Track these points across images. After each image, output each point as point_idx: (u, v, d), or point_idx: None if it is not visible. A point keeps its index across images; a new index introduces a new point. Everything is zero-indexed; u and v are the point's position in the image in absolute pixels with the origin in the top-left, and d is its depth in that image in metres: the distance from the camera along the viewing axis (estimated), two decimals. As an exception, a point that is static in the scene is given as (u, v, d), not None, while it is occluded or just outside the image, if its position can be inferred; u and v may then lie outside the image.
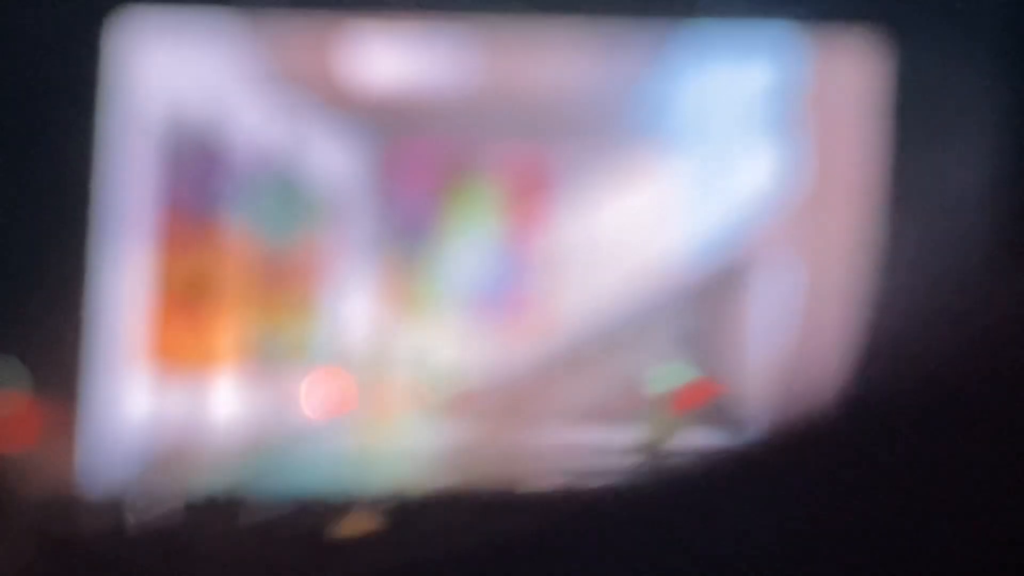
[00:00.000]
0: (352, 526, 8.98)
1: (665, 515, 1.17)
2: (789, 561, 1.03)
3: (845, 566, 1.01)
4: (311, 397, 12.80)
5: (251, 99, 12.27)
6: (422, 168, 13.41)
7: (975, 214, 10.76)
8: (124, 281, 11.33)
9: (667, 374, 13.53)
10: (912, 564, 0.98)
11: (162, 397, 11.24)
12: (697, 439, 11.18)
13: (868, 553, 1.00)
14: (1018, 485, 0.97)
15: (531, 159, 13.55)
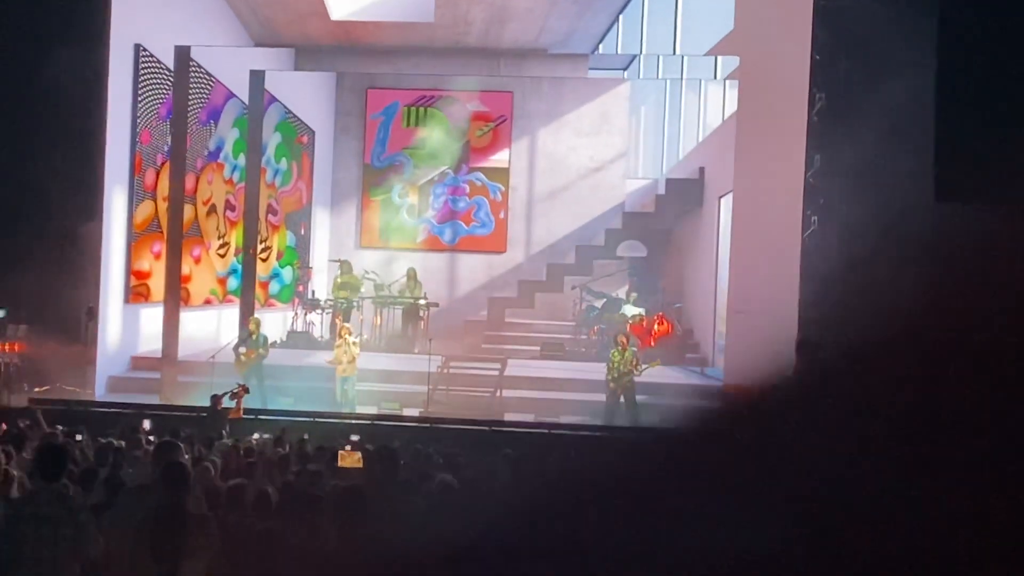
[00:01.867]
0: (347, 459, 9.24)
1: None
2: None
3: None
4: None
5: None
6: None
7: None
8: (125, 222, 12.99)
9: (624, 308, 14.43)
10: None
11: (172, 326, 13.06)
12: (659, 374, 11.96)
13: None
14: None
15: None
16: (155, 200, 23.78)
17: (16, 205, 19.57)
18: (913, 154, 17.09)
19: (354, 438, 15.31)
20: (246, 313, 24.43)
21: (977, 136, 15.92)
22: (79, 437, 14.42)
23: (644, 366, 20.50)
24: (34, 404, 19.09)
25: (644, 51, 30.06)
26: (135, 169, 22.77)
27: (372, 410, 20.44)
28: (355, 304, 28.59)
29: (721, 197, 26.16)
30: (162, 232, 23.70)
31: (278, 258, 30.70)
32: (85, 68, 20.20)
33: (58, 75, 19.07)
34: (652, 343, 26.39)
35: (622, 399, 20.43)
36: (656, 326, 27.45)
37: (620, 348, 20.56)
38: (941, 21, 16.14)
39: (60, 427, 15.47)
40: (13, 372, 19.58)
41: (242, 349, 21.16)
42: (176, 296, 22.68)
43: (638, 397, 20.57)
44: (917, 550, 0.87)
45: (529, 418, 20.10)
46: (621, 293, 30.24)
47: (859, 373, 1.00)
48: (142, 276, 23.37)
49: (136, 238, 23.04)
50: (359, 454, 10.46)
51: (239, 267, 27.08)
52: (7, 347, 19.38)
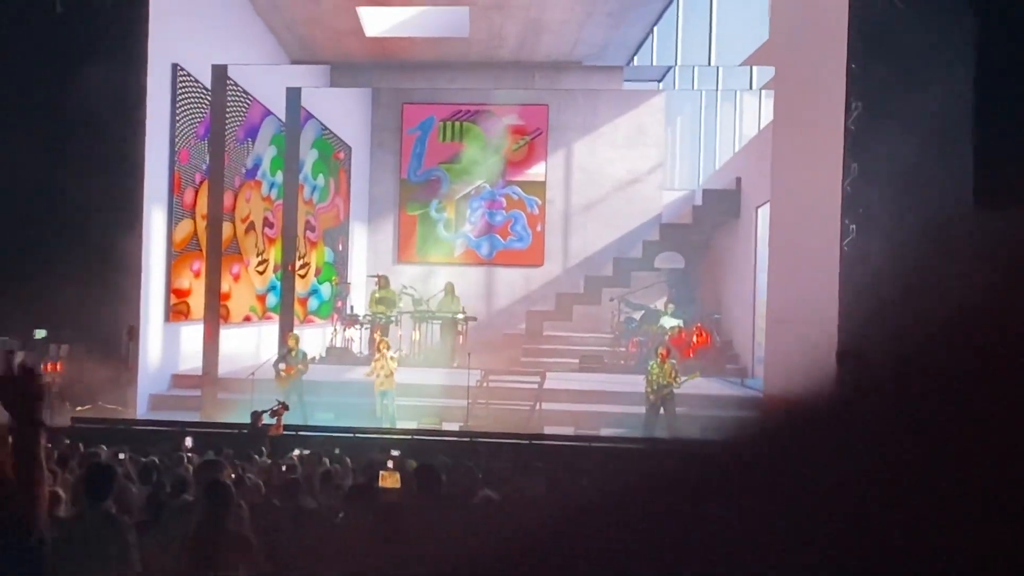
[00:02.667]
0: (387, 479, 9.20)
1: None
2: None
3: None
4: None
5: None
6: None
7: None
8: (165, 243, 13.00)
9: (663, 320, 14.41)
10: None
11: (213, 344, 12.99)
12: (698, 385, 11.90)
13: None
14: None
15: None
16: (194, 218, 23.89)
17: (56, 225, 19.69)
18: (951, 159, 17.02)
19: (395, 453, 15.34)
20: (285, 329, 24.52)
21: (1016, 139, 15.83)
22: (122, 456, 14.49)
23: (683, 378, 20.45)
24: (76, 423, 19.19)
25: (679, 62, 30.02)
26: (174, 188, 22.89)
27: (412, 425, 20.45)
28: (393, 319, 28.62)
29: (758, 207, 26.09)
30: (201, 250, 23.82)
31: (316, 274, 30.78)
32: (123, 88, 20.31)
33: (96, 95, 19.17)
34: (691, 354, 26.34)
35: (662, 411, 20.38)
36: (695, 337, 27.40)
37: (659, 360, 20.52)
38: (978, 26, 16.07)
39: (103, 446, 15.53)
40: (55, 392, 19.67)
41: (281, 365, 21.22)
42: (216, 314, 22.77)
43: (678, 409, 20.52)
44: (968, 568, 0.86)
45: (569, 431, 20.06)
46: (659, 305, 30.20)
47: (901, 383, 0.98)
48: (182, 294, 23.49)
49: (175, 256, 23.15)
50: (398, 475, 10.47)
51: (278, 284, 27.18)
52: (49, 367, 19.47)
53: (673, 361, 20.96)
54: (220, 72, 23.21)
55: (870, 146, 18.95)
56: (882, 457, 0.94)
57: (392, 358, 21.25)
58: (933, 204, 17.20)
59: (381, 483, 10.24)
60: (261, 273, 27.50)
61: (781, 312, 21.61)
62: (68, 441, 15.69)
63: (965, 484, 0.82)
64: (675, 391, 20.41)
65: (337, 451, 15.82)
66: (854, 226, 19.11)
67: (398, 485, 9.88)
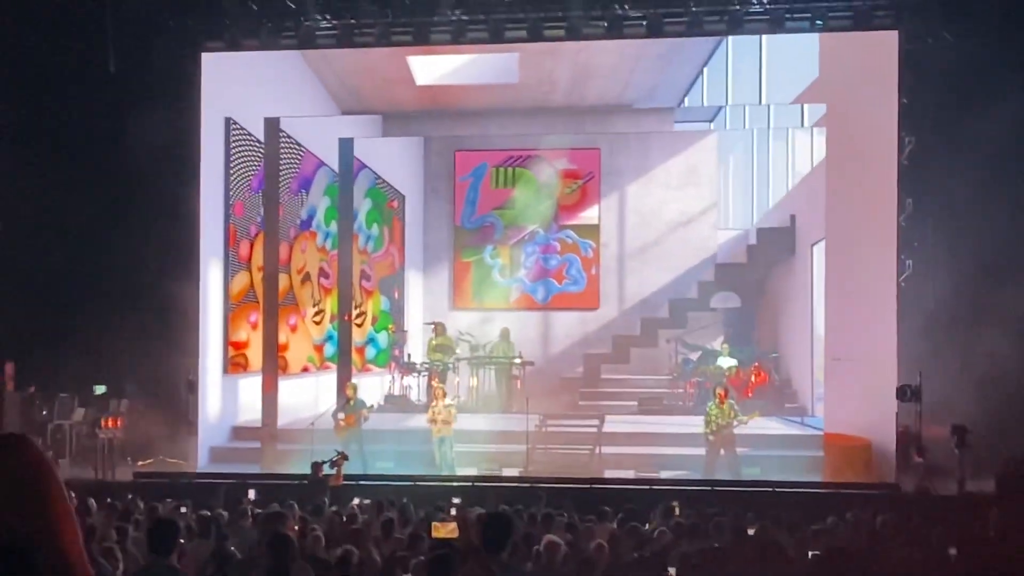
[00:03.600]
0: (441, 530, 9.20)
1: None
2: None
3: None
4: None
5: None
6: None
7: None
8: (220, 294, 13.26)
9: (720, 360, 14.48)
10: None
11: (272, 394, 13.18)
12: (758, 424, 11.98)
13: None
14: None
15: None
16: (250, 270, 24.04)
17: (114, 280, 19.88)
18: (1008, 191, 16.93)
19: (455, 501, 15.32)
20: (343, 379, 24.56)
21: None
22: (184, 509, 14.55)
23: (743, 418, 20.37)
24: (138, 478, 19.31)
25: (730, 102, 30.00)
26: (230, 241, 23.05)
27: (472, 471, 20.41)
28: (451, 366, 28.63)
29: (813, 244, 26.01)
30: (258, 302, 23.95)
31: (373, 323, 30.87)
32: (177, 143, 20.54)
33: (151, 151, 19.36)
34: (749, 394, 26.23)
35: (722, 452, 20.30)
36: (753, 377, 27.28)
37: (718, 401, 20.45)
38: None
39: (168, 500, 15.61)
40: (116, 447, 19.79)
41: (340, 415, 21.26)
42: (274, 365, 22.86)
43: (739, 449, 20.45)
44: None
45: (629, 474, 19.98)
46: (716, 345, 30.08)
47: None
48: (240, 346, 23.61)
49: (233, 309, 23.29)
50: (454, 524, 10.44)
51: (335, 333, 27.27)
52: (109, 422, 19.59)
53: (732, 401, 20.87)
54: (273, 125, 23.39)
55: (924, 181, 18.91)
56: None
57: (449, 405, 21.25)
58: (990, 238, 17.12)
59: (434, 534, 10.21)
60: (318, 323, 27.62)
61: (839, 350, 21.50)
62: (131, 496, 15.77)
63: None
64: (735, 431, 20.34)
65: (405, 500, 15.80)
66: (910, 261, 19.04)
67: (454, 535, 9.85)
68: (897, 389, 18.54)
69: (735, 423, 20.25)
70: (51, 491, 3.20)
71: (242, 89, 23.06)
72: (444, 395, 21.68)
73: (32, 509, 3.18)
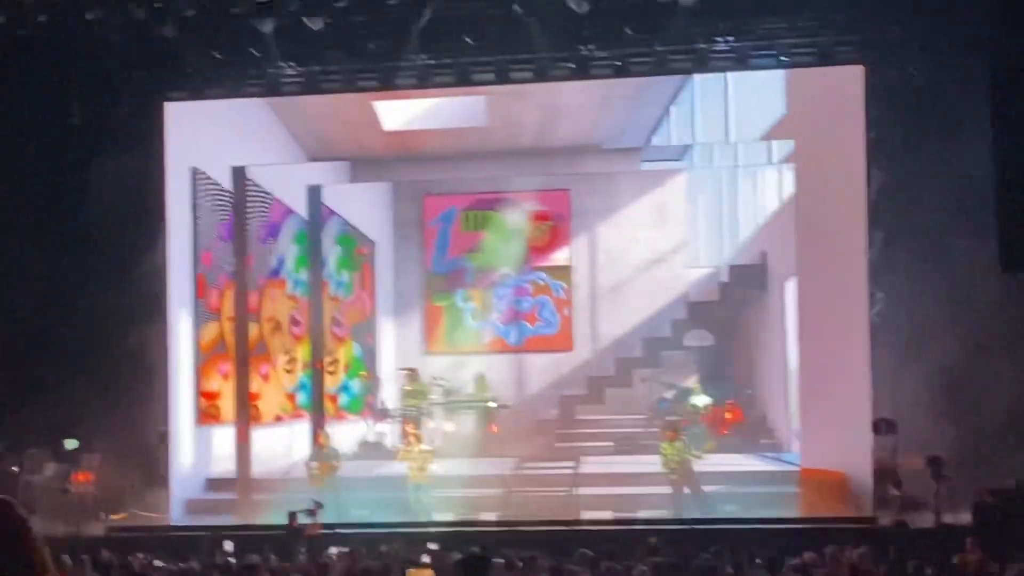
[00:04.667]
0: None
1: None
2: None
3: None
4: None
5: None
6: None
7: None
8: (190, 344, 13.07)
9: (694, 398, 14.34)
10: None
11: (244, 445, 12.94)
12: (735, 461, 11.89)
13: None
14: None
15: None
16: (220, 320, 23.94)
17: (81, 333, 19.77)
18: (975, 224, 16.98)
19: (432, 547, 15.23)
20: (317, 427, 24.46)
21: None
22: (159, 563, 14.43)
23: (696, 452, 20.46)
24: (111, 532, 19.14)
25: (697, 140, 30.06)
26: (198, 291, 22.96)
27: (448, 516, 20.32)
28: (425, 411, 28.54)
29: (785, 280, 26.04)
30: (228, 352, 23.83)
31: (345, 370, 30.75)
32: (143, 194, 20.47)
33: (116, 203, 19.33)
34: (725, 431, 26.21)
35: (686, 490, 20.33)
36: (727, 414, 27.26)
37: (668, 440, 20.55)
38: (993, 90, 16.09)
39: (141, 554, 15.49)
40: (89, 501, 19.63)
41: (314, 464, 21.16)
42: (246, 415, 22.75)
43: (717, 487, 20.46)
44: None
45: (607, 515, 19.92)
46: (691, 383, 30.04)
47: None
48: (211, 397, 23.47)
49: (203, 359, 23.16)
50: (430, 570, 10.37)
51: (307, 382, 27.16)
52: (81, 477, 19.44)
53: (684, 439, 20.92)
54: (240, 173, 23.35)
55: (893, 214, 18.98)
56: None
57: (425, 451, 21.18)
58: (959, 270, 17.17)
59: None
60: (290, 372, 27.48)
61: (814, 385, 21.51)
62: (104, 551, 15.64)
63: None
64: (694, 468, 20.41)
65: (382, 547, 15.74)
66: (881, 295, 19.08)
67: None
68: (872, 423, 18.55)
69: (690, 458, 20.31)
70: (34, 553, 3.16)
71: (208, 138, 23.01)
72: (420, 441, 21.60)
73: (15, 571, 3.14)
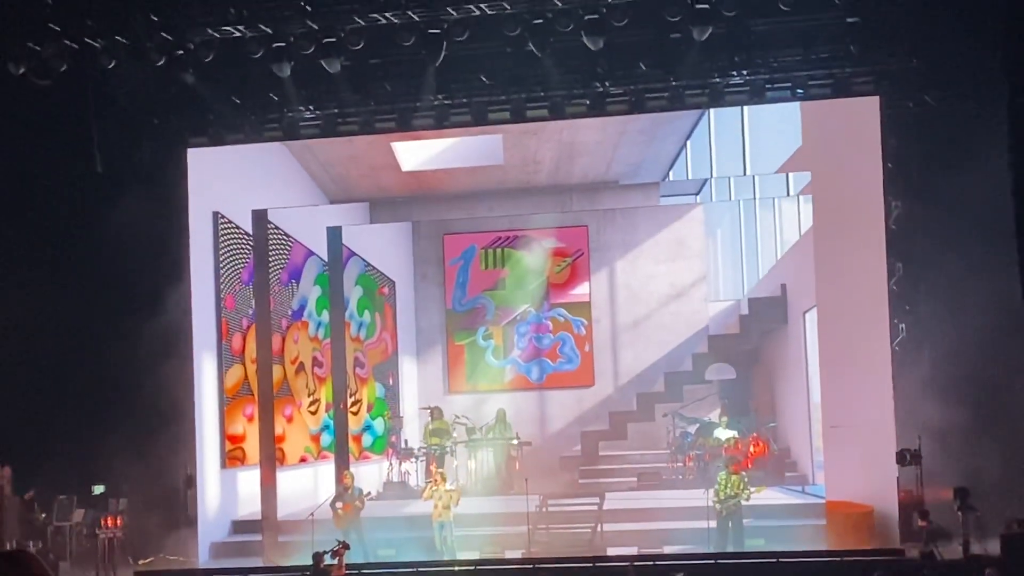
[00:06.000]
0: None
1: None
2: None
3: None
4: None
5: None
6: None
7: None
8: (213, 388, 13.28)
9: (717, 432, 14.43)
10: None
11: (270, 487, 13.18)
12: (760, 495, 11.92)
13: None
14: None
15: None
16: (243, 363, 24.01)
17: (106, 379, 19.84)
18: (996, 252, 16.98)
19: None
20: (341, 468, 24.47)
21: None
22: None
23: (751, 490, 20.37)
24: (139, 576, 19.18)
25: (714, 174, 30.11)
26: (222, 335, 23.05)
27: (473, 555, 20.30)
28: (448, 449, 28.56)
29: (805, 312, 26.03)
30: (253, 394, 23.90)
31: (368, 410, 30.79)
32: (166, 240, 20.59)
33: (139, 249, 19.45)
34: (749, 465, 26.16)
35: (730, 524, 20.24)
36: (751, 447, 27.21)
37: (729, 472, 20.46)
38: (1011, 117, 16.11)
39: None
40: (117, 546, 19.67)
41: (338, 504, 21.18)
42: (271, 457, 22.77)
43: (744, 521, 20.38)
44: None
45: (633, 551, 19.88)
46: (713, 417, 29.99)
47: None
48: (236, 440, 23.54)
49: (228, 402, 23.24)
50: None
51: (331, 422, 27.20)
52: (109, 522, 19.48)
53: (744, 475, 20.87)
54: (260, 217, 23.44)
55: (913, 244, 18.97)
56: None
57: (450, 491, 21.18)
58: (982, 298, 17.15)
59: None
60: (314, 413, 27.54)
61: (837, 416, 21.47)
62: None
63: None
64: (743, 503, 20.31)
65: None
66: (903, 325, 19.06)
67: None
68: (896, 453, 18.49)
69: (743, 495, 20.23)
70: None
71: (229, 183, 23.14)
72: (444, 480, 21.61)
73: None
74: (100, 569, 19.26)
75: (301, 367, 27.02)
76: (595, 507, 21.89)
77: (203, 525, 21.28)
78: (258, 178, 24.82)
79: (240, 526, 23.08)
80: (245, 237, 23.89)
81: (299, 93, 20.04)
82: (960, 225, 17.56)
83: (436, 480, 21.57)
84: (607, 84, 19.94)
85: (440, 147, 27.16)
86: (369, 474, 28.17)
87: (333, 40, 18.19)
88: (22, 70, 18.25)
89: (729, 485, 20.27)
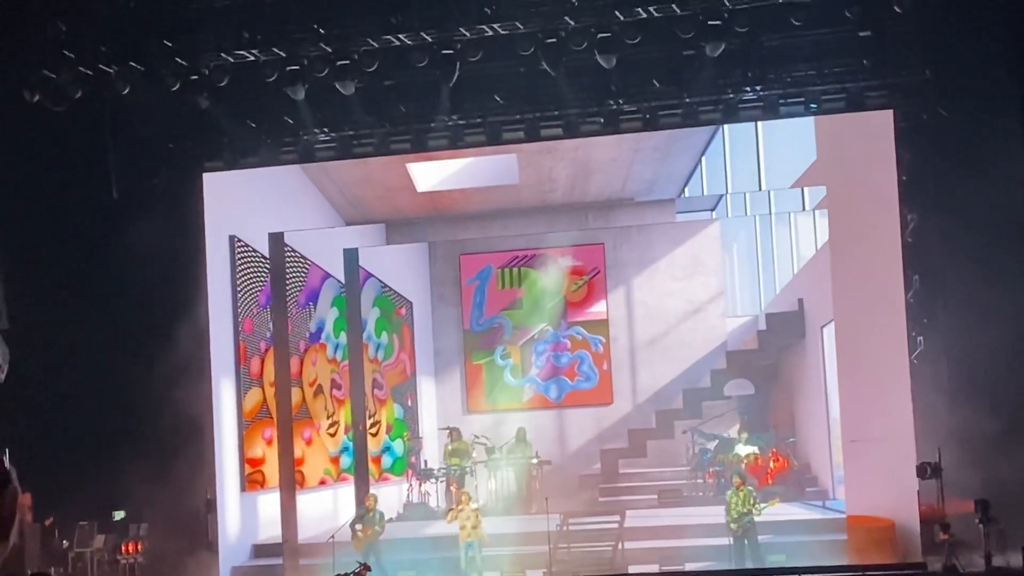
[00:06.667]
0: None
1: None
2: None
3: None
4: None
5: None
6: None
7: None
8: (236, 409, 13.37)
9: (737, 448, 14.38)
10: None
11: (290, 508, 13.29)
12: (780, 511, 11.79)
13: None
14: None
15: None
16: (262, 386, 24.04)
17: (126, 405, 19.85)
18: (1014, 264, 16.94)
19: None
20: (361, 490, 24.47)
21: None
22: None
23: (762, 505, 20.31)
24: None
25: (730, 189, 30.09)
26: (240, 358, 23.07)
27: (496, 575, 20.29)
28: (468, 470, 28.54)
29: (823, 326, 26.00)
30: (272, 417, 23.92)
31: (388, 431, 30.79)
32: (183, 264, 20.62)
33: (156, 274, 19.49)
34: (769, 480, 26.11)
35: (745, 541, 20.20)
36: (771, 463, 27.15)
37: (735, 488, 20.42)
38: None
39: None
40: (138, 572, 19.68)
41: (358, 526, 21.18)
42: (291, 480, 22.79)
43: (762, 537, 20.34)
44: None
45: (654, 569, 19.84)
46: (733, 433, 29.95)
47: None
48: (256, 463, 23.55)
49: (247, 426, 23.26)
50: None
51: (350, 444, 27.21)
52: (130, 547, 19.50)
53: (750, 488, 20.82)
54: (277, 240, 23.51)
55: (930, 256, 18.93)
56: None
57: (475, 509, 21.22)
58: (999, 309, 17.11)
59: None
60: (333, 435, 27.55)
61: (856, 430, 21.41)
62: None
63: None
64: (755, 519, 20.26)
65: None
66: (921, 337, 19.01)
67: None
68: (917, 467, 18.43)
69: (755, 510, 20.18)
70: None
71: (245, 206, 23.19)
72: (469, 500, 21.63)
73: None
74: (122, 595, 19.28)
75: (319, 389, 27.03)
76: (616, 525, 21.86)
77: (224, 549, 21.28)
78: (274, 201, 24.86)
79: (261, 550, 23.08)
80: (262, 260, 23.94)
81: (314, 116, 20.09)
82: (976, 236, 17.52)
83: (461, 501, 21.58)
84: (621, 102, 19.95)
85: (455, 167, 27.20)
86: (389, 495, 28.15)
87: (347, 62, 18.26)
88: (37, 97, 18.33)
89: (739, 502, 20.25)
